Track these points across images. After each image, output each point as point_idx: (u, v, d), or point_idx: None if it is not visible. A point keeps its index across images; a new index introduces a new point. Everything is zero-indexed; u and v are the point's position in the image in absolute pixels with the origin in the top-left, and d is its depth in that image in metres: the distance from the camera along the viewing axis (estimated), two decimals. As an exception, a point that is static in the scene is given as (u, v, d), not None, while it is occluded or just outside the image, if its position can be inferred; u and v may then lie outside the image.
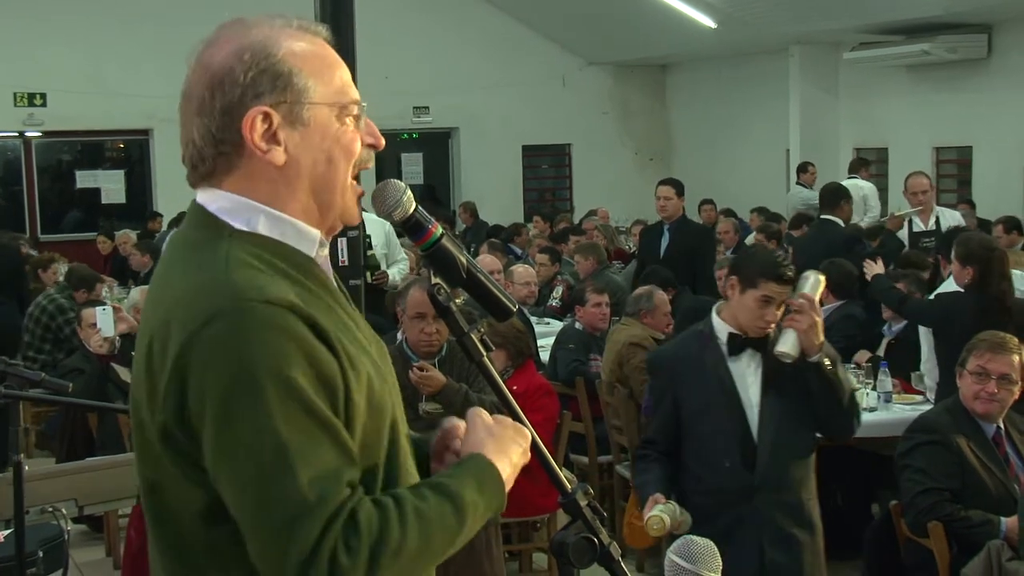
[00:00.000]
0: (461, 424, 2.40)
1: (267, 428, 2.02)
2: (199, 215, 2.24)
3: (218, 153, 2.20)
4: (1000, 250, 8.13)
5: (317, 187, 2.25)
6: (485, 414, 2.37)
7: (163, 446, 2.13)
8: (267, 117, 2.19)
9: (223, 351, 2.05)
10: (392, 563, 2.06)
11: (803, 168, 17.21)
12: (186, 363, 2.06)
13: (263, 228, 2.22)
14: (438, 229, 2.34)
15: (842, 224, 10.78)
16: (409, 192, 2.30)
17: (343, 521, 2.03)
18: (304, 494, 2.02)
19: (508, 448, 2.33)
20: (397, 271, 10.75)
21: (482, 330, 2.36)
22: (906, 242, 11.25)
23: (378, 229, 10.45)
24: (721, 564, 1.81)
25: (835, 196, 10.75)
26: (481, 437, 2.32)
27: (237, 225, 2.21)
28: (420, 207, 2.33)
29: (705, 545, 1.79)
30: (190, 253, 2.21)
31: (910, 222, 11.32)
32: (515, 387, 7.24)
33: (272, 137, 2.20)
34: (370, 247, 9.97)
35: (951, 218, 11.28)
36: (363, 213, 9.78)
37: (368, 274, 9.57)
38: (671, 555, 1.78)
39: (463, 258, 2.35)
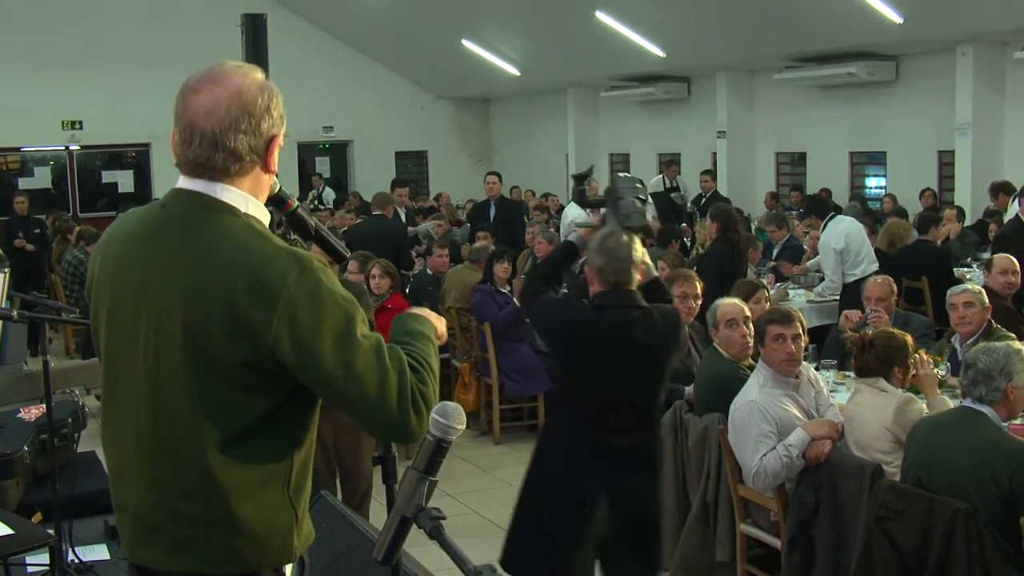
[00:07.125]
0: None
1: (362, 336, 1.97)
2: (206, 200, 2.01)
3: (248, 161, 2.01)
4: (735, 212, 8.18)
5: (268, 188, 2.11)
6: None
7: (241, 366, 1.94)
8: (277, 143, 2.06)
9: (320, 290, 1.93)
10: (433, 378, 2.09)
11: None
12: (293, 300, 1.91)
13: (252, 211, 2.04)
14: (295, 203, 2.25)
15: (390, 218, 9.70)
16: (275, 179, 2.18)
17: (409, 369, 2.02)
18: (392, 367, 1.98)
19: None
20: None
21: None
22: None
23: None
24: (465, 422, 1.79)
25: (386, 200, 9.74)
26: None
27: (242, 208, 2.02)
28: (283, 188, 2.22)
29: (455, 407, 1.77)
30: (213, 228, 1.99)
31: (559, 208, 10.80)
32: (390, 305, 7.21)
33: (272, 155, 2.07)
34: None
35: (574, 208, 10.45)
36: None
37: None
38: (432, 414, 1.76)
39: (312, 221, 2.27)
